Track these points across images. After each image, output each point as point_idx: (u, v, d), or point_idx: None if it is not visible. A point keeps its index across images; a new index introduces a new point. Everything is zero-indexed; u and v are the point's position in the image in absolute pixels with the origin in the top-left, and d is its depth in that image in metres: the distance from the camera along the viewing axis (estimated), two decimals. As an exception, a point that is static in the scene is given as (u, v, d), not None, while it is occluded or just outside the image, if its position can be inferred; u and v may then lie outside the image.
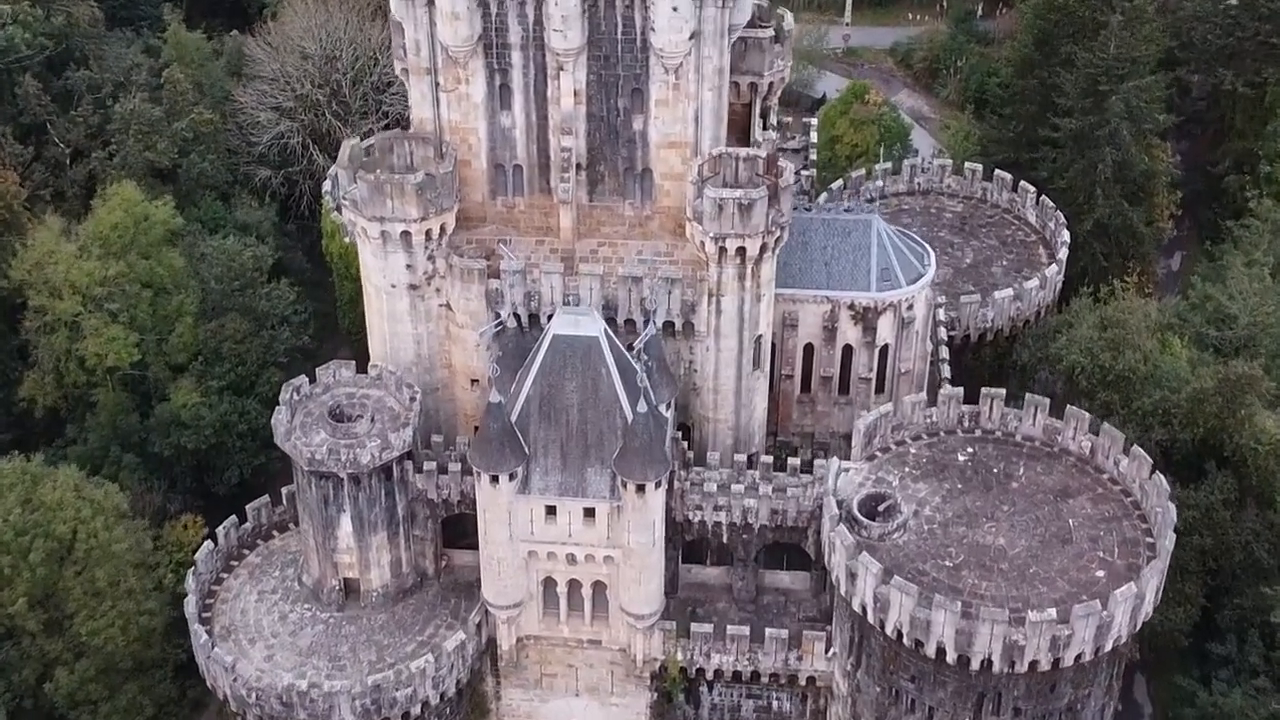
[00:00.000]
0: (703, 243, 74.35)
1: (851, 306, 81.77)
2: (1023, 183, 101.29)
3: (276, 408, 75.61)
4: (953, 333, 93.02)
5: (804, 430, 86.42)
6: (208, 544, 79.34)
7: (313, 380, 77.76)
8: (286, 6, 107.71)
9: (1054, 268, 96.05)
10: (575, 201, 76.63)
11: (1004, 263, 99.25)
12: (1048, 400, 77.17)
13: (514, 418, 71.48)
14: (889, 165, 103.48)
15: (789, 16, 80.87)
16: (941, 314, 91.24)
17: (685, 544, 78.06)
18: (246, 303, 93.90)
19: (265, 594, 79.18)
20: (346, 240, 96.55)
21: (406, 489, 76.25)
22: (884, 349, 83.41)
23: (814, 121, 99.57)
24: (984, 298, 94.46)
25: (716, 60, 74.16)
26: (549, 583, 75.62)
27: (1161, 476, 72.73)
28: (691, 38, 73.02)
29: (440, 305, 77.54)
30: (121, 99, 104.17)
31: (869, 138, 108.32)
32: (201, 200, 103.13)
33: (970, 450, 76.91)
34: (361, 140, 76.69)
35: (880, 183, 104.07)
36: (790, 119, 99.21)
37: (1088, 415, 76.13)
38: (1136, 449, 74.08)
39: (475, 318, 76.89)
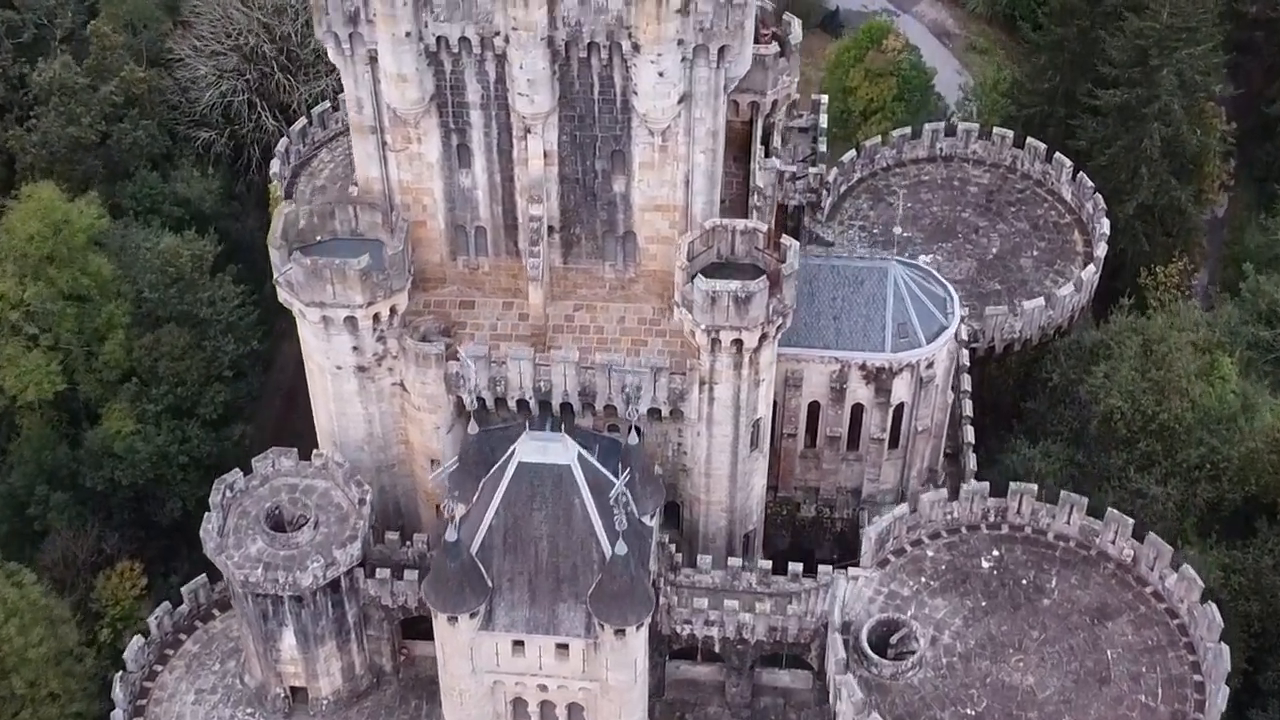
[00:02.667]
0: (693, 331, 64.06)
1: (863, 367, 71.92)
2: (1058, 155, 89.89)
3: (205, 514, 66.19)
4: (975, 345, 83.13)
5: (808, 485, 77.44)
6: (137, 640, 70.83)
7: (248, 472, 68.13)
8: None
9: (1090, 269, 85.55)
10: (546, 273, 66.19)
11: (1034, 253, 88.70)
12: (1085, 500, 67.59)
13: (475, 548, 62.31)
14: (907, 131, 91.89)
15: (796, 26, 69.09)
16: (964, 331, 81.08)
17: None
18: (186, 309, 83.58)
19: (204, 693, 71.12)
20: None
21: (357, 596, 67.34)
22: (899, 406, 73.49)
23: (824, 101, 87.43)
24: (1012, 306, 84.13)
25: (710, 122, 63.26)
26: (519, 702, 67.15)
27: (1214, 608, 63.80)
28: (681, 101, 61.74)
29: (393, 384, 67.57)
30: (42, 58, 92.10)
31: (886, 91, 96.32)
32: (136, 172, 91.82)
33: (996, 554, 67.98)
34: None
35: (897, 150, 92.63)
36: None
37: (1130, 520, 66.86)
38: (1186, 569, 65.20)
39: (434, 401, 67.29)
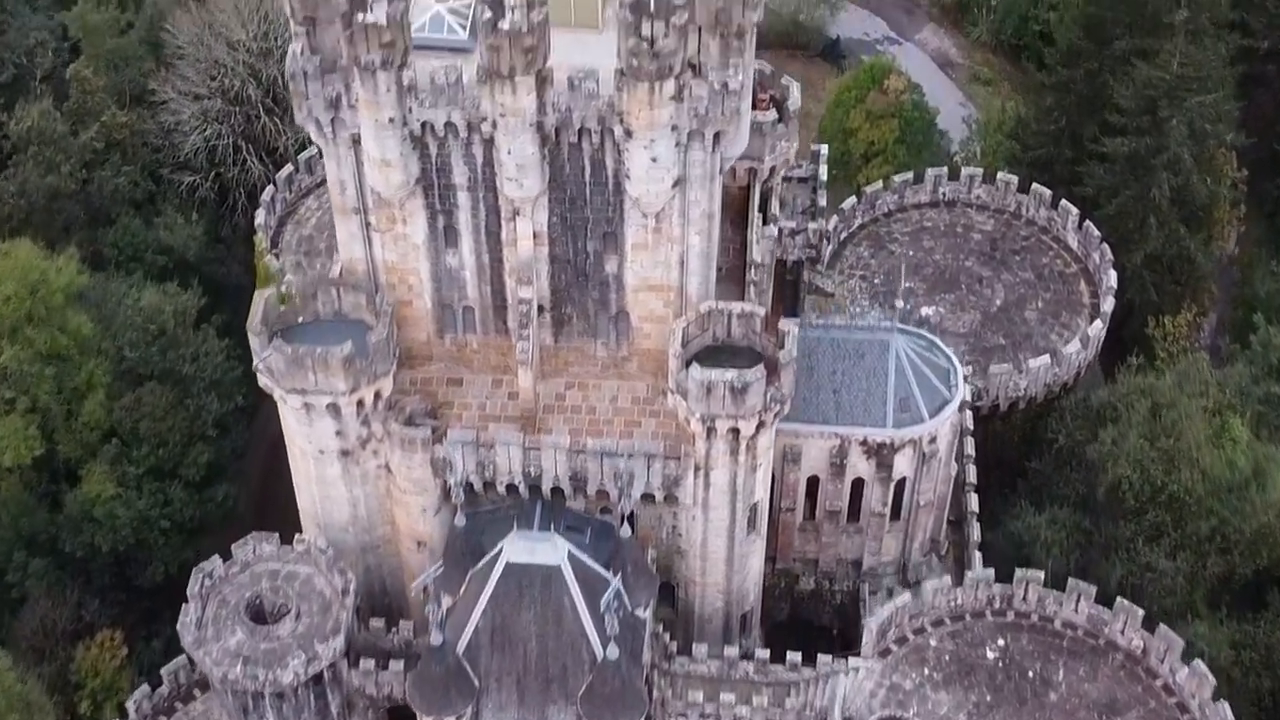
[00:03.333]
0: (688, 419, 61.79)
1: (864, 443, 69.64)
2: (1064, 202, 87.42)
3: (184, 605, 63.94)
4: (979, 403, 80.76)
5: (807, 557, 75.25)
6: (113, 728, 68.69)
7: (227, 556, 65.95)
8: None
9: (1097, 324, 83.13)
10: (536, 355, 63.76)
11: (1039, 304, 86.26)
12: (1093, 588, 65.42)
13: (461, 647, 60.16)
14: (909, 176, 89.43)
15: (795, 90, 66.44)
16: (967, 392, 78.68)
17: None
18: (168, 367, 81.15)
19: (185, 779, 68.73)
20: (283, 290, 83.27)
21: (341, 687, 65.16)
22: (901, 480, 71.29)
23: (824, 150, 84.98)
24: (1017, 363, 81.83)
25: (705, 205, 60.89)
26: (509, 793, 64.95)
27: (1227, 706, 61.72)
28: (675, 185, 59.34)
29: (378, 467, 65.27)
30: (22, 97, 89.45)
31: (887, 134, 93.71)
32: (118, 219, 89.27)
33: (1001, 643, 65.97)
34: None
35: (899, 196, 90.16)
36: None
37: (1140, 611, 64.56)
38: (1198, 665, 63.02)
39: (420, 484, 65.06)
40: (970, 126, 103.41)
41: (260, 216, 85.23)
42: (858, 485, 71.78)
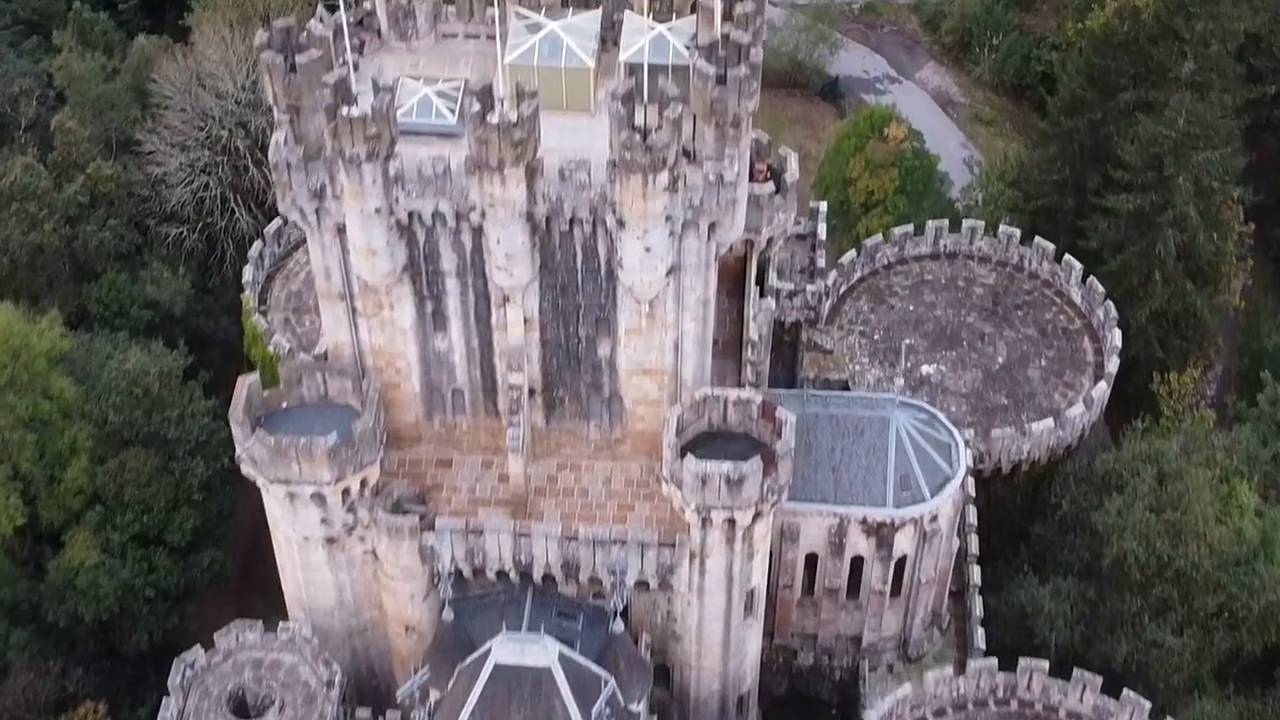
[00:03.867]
0: (682, 508, 60.16)
1: (864, 522, 67.97)
2: (1068, 257, 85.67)
3: (164, 698, 62.31)
4: (981, 466, 79.14)
5: (805, 632, 73.58)
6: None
7: (212, 627, 64.40)
8: (199, 36, 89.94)
9: (1102, 385, 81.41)
10: (527, 441, 62.06)
11: (1043, 362, 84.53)
12: (1099, 679, 63.78)
13: (449, 747, 58.47)
14: (910, 229, 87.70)
15: (793, 161, 64.50)
16: (969, 457, 76.97)
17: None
18: (153, 430, 79.39)
19: None
20: (271, 349, 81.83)
21: (326, 779, 63.59)
22: (901, 559, 69.69)
23: (822, 208, 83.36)
24: (1020, 425, 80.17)
25: (700, 291, 59.26)
26: None
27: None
28: (669, 273, 57.64)
29: (365, 552, 63.66)
30: (7, 147, 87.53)
31: (888, 184, 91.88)
32: (103, 273, 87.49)
33: (1004, 734, 63.97)
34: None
35: (898, 248, 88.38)
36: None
37: (1147, 704, 62.94)
38: (1208, 760, 61.25)
39: (408, 571, 63.48)
40: (972, 169, 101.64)
41: (248, 273, 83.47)
42: (857, 563, 70.21)
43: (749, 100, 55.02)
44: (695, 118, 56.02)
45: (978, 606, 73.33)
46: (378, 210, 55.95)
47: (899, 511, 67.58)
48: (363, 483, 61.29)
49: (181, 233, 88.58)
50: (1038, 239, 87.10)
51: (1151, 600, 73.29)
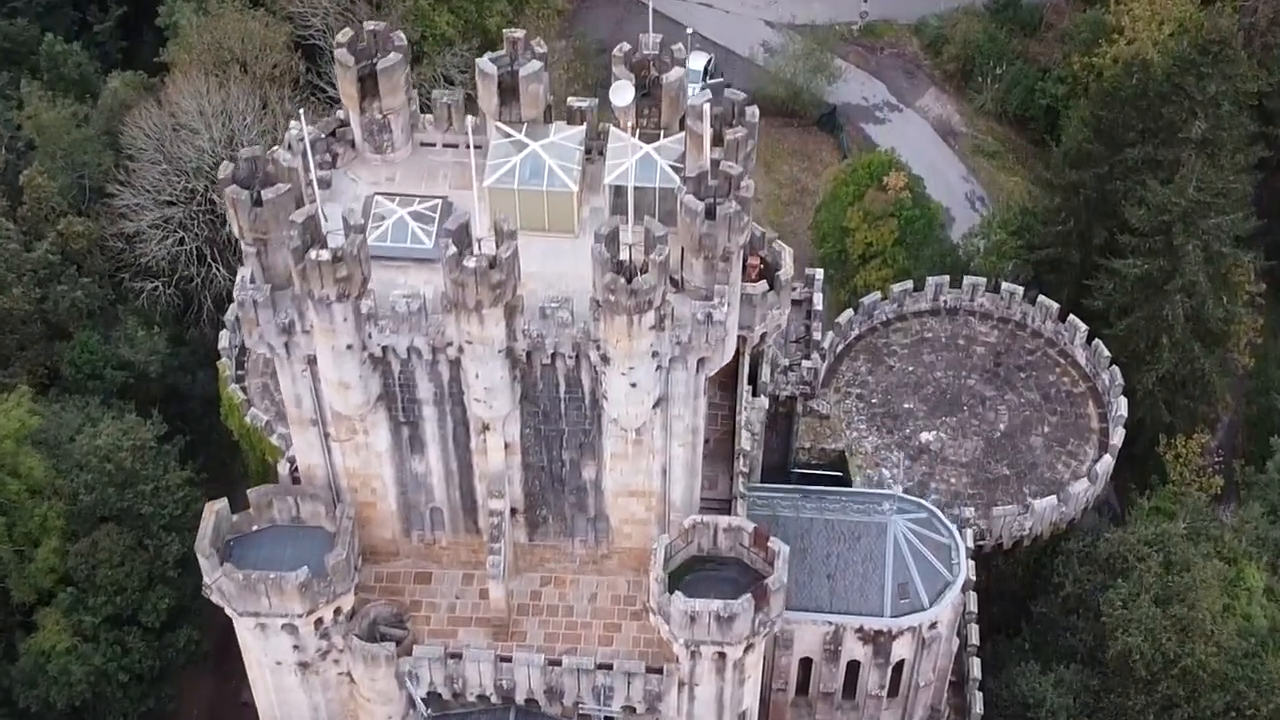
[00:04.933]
0: (671, 640, 57.77)
1: (860, 630, 65.54)
2: (1072, 317, 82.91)
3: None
4: (982, 543, 76.87)
5: (798, 730, 71.19)
6: None
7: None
8: (173, 85, 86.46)
9: (1106, 460, 78.97)
10: (507, 569, 59.62)
11: (1045, 429, 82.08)
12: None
13: None
14: (909, 285, 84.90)
15: (787, 258, 61.73)
16: (969, 539, 74.73)
17: None
18: (126, 505, 76.94)
19: None
20: (248, 421, 79.29)
21: None
22: (899, 663, 67.42)
23: (819, 276, 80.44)
24: (1022, 502, 77.85)
25: (689, 420, 56.61)
26: None
27: None
28: (656, 405, 54.94)
29: (340, 674, 61.26)
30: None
31: (887, 235, 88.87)
32: (75, 333, 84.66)
33: None
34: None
35: (897, 305, 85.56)
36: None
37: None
38: None
39: (385, 695, 60.95)
40: (974, 205, 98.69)
41: (224, 339, 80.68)
42: (853, 665, 67.84)
43: (739, 235, 52.04)
44: (683, 250, 53.01)
45: (978, 703, 71.17)
46: (350, 347, 53.09)
47: (896, 621, 65.39)
48: (337, 610, 58.70)
49: (156, 288, 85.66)
50: (1041, 298, 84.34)
51: (1157, 698, 71.24)
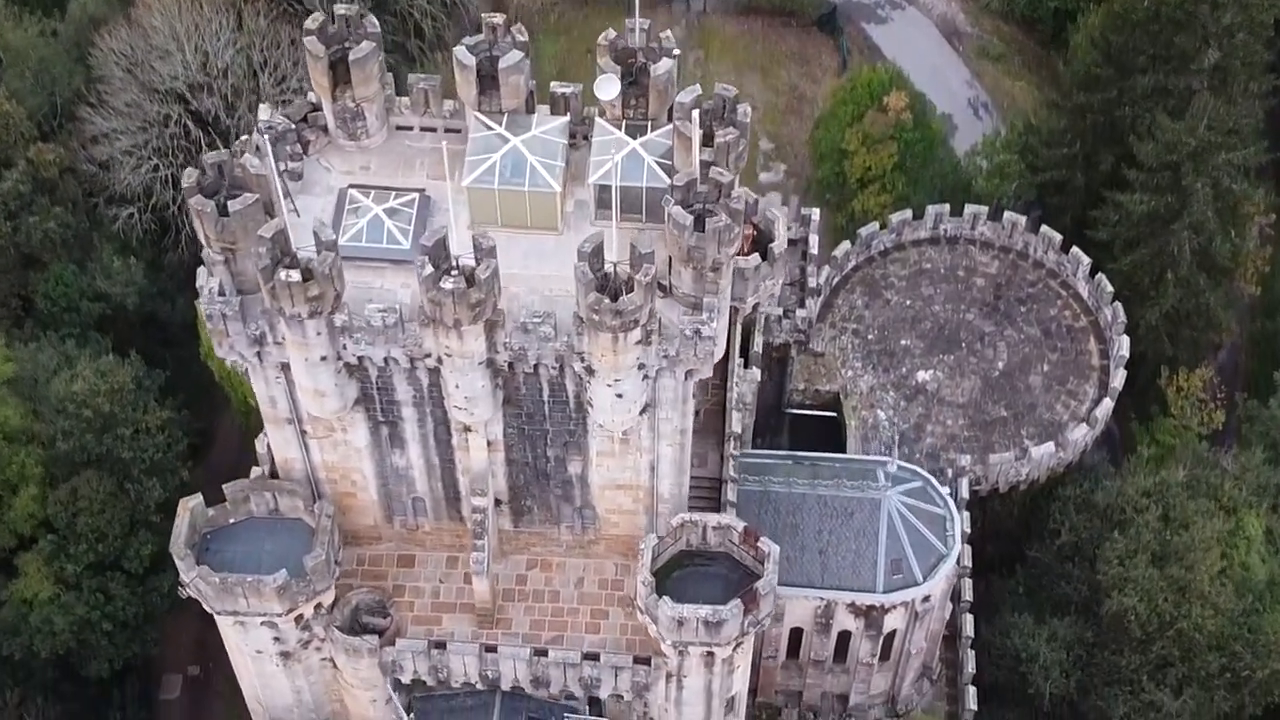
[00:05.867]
0: (659, 639, 56.72)
1: (852, 605, 64.46)
2: (1075, 250, 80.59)
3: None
4: (978, 488, 75.50)
5: (790, 689, 70.63)
6: None
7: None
8: (143, 3, 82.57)
9: (1106, 403, 77.24)
10: (490, 564, 58.25)
11: (1045, 367, 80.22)
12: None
13: None
14: (908, 215, 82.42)
15: (780, 226, 59.45)
16: (965, 488, 73.57)
17: None
18: (105, 451, 75.30)
19: None
20: (229, 365, 77.05)
21: None
22: (892, 632, 66.57)
23: (815, 216, 77.77)
24: (1019, 441, 76.46)
25: (677, 422, 54.73)
26: None
27: None
28: (644, 411, 53.12)
29: (323, 660, 60.31)
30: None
31: (886, 159, 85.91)
32: (50, 265, 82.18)
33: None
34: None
35: (896, 234, 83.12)
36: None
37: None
38: None
39: (368, 682, 60.06)
40: (978, 112, 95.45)
41: (202, 278, 77.86)
42: (844, 635, 66.84)
43: (730, 247, 49.69)
44: (670, 259, 50.71)
45: (970, 662, 70.35)
46: (324, 358, 51.04)
47: (889, 596, 64.20)
48: (317, 606, 57.44)
49: (131, 214, 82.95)
50: (1044, 228, 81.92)
51: (1151, 658, 70.36)
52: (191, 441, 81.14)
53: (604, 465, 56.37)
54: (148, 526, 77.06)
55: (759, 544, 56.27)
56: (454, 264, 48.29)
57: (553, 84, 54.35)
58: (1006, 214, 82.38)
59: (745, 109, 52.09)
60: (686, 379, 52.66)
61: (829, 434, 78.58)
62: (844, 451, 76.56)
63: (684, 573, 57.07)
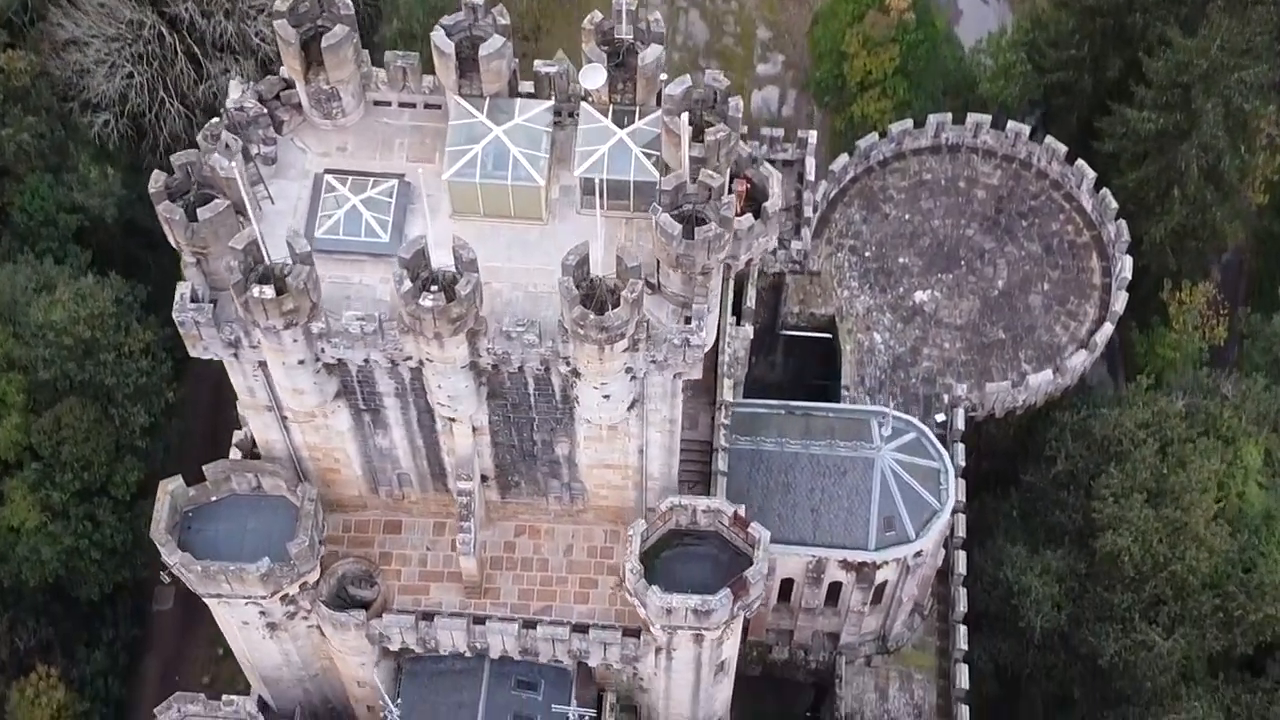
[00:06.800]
0: (647, 623, 56.34)
1: (843, 561, 63.93)
2: (1080, 162, 78.51)
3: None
4: (974, 414, 74.55)
5: (781, 628, 70.47)
6: None
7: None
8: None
9: (1106, 327, 75.85)
10: (477, 541, 57.49)
11: (1046, 285, 78.60)
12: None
13: None
14: (909, 124, 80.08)
15: (775, 184, 57.26)
16: (960, 419, 72.69)
17: None
18: (87, 377, 74.10)
19: None
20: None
21: None
22: (883, 583, 66.22)
23: (812, 138, 75.39)
24: (1017, 368, 75.39)
25: (667, 412, 53.48)
26: None
27: None
28: (632, 406, 51.91)
29: (310, 627, 59.92)
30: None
31: (887, 62, 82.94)
32: (26, 177, 79.90)
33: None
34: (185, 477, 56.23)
35: (896, 143, 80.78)
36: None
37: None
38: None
39: (357, 649, 59.68)
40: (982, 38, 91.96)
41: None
42: (836, 585, 66.39)
43: (718, 254, 47.91)
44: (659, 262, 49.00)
45: (962, 600, 70.01)
46: (301, 362, 49.58)
47: (880, 554, 63.59)
48: (302, 585, 56.74)
49: (107, 121, 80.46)
50: (1049, 139, 79.49)
51: (1144, 596, 69.93)
52: (176, 356, 79.43)
53: (592, 449, 55.29)
54: (134, 452, 76.26)
55: (749, 529, 55.26)
56: (433, 275, 46.51)
57: (536, 63, 51.94)
58: (1010, 123, 79.90)
59: (736, 102, 49.71)
60: (676, 376, 51.14)
61: (823, 355, 77.38)
62: (839, 374, 75.42)
63: (673, 552, 56.35)
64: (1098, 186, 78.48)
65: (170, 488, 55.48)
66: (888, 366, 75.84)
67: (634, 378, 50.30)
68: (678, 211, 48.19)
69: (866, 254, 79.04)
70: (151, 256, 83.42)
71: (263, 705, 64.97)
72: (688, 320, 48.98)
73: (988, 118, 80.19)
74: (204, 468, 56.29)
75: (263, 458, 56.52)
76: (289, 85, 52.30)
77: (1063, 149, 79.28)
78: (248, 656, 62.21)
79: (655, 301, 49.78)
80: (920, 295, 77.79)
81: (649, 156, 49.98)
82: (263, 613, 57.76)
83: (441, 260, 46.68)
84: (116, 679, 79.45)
